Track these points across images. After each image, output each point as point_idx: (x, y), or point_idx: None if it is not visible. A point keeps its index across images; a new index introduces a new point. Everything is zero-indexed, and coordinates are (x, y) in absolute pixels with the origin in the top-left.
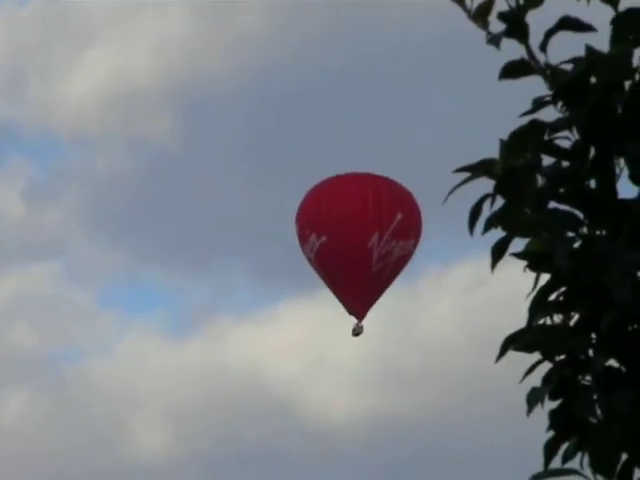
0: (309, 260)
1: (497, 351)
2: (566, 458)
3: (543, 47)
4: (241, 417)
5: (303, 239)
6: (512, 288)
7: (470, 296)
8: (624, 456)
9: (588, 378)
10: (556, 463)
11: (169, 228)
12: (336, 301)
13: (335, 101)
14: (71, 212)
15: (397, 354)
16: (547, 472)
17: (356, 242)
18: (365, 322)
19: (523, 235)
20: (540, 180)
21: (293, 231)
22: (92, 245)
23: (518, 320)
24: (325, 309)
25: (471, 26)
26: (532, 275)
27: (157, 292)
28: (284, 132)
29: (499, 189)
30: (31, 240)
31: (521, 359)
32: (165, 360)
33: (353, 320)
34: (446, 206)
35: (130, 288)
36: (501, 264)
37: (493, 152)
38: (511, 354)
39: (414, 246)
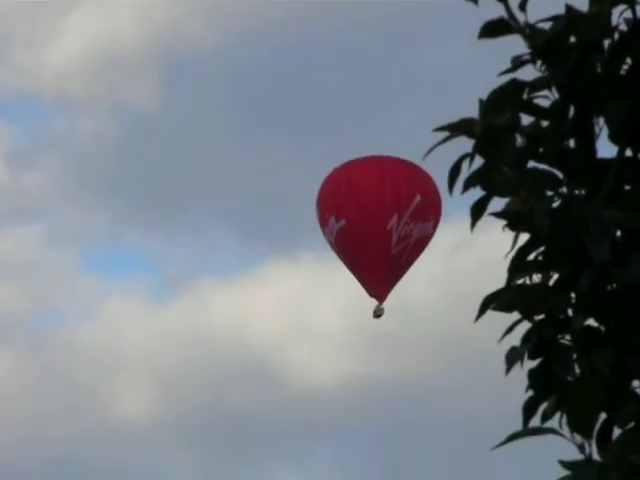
0: (329, 243)
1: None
2: (545, 417)
3: (522, 6)
4: (224, 381)
5: (323, 223)
6: (495, 249)
7: (452, 259)
8: (602, 416)
9: (567, 338)
10: (535, 423)
11: (152, 191)
12: (320, 265)
13: (317, 65)
14: (54, 175)
15: (383, 317)
16: (525, 431)
17: (375, 224)
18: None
19: (502, 194)
20: (519, 139)
21: (276, 194)
22: (75, 208)
23: (501, 282)
24: (308, 272)
25: None
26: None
27: (140, 255)
28: (266, 94)
29: (478, 148)
30: (14, 203)
31: (507, 322)
32: (148, 323)
33: (372, 301)
34: (425, 166)
35: (113, 251)
36: (484, 225)
37: (473, 112)
38: (496, 317)
39: (434, 227)
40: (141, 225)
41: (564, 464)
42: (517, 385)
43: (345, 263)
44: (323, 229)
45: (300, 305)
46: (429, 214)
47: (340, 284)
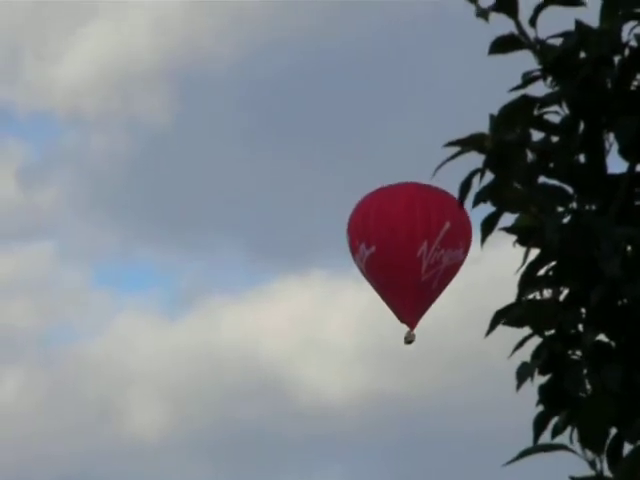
0: (360, 270)
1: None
2: (555, 433)
3: (533, 22)
4: (235, 397)
5: (354, 249)
6: (506, 265)
7: (463, 274)
8: (613, 431)
9: (578, 353)
10: (546, 438)
11: (163, 207)
12: (329, 280)
13: (331, 79)
14: (66, 192)
15: (392, 334)
16: (536, 447)
17: (405, 251)
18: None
19: (512, 210)
20: (530, 155)
21: (287, 211)
22: (87, 224)
23: (512, 298)
24: (317, 288)
25: (461, 1)
26: (523, 251)
27: (151, 271)
28: (279, 110)
29: (489, 164)
30: (26, 220)
31: (518, 337)
32: (159, 339)
33: (403, 327)
34: (436, 181)
35: (124, 267)
36: (495, 241)
37: (484, 127)
38: (508, 333)
39: (464, 254)
40: (153, 241)
41: None
42: (529, 400)
43: (376, 289)
44: (354, 256)
45: (310, 321)
46: (459, 241)
47: (350, 300)
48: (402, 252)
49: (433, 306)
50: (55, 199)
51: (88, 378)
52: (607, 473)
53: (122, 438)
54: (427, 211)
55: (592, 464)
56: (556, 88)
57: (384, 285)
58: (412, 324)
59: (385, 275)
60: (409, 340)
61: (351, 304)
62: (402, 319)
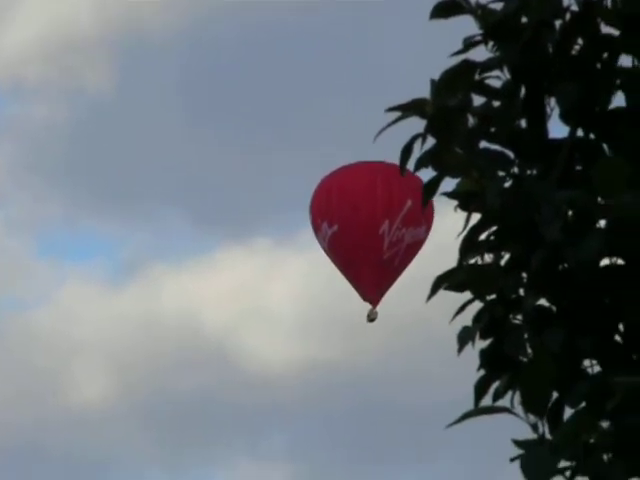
0: (323, 248)
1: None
2: (496, 397)
3: None
4: (179, 366)
5: (316, 228)
6: (448, 231)
7: None
8: (554, 394)
9: (519, 317)
10: (487, 402)
11: (105, 177)
12: (272, 249)
13: (267, 52)
14: (7, 162)
15: (335, 302)
16: (479, 410)
17: (367, 230)
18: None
19: (454, 175)
20: (471, 120)
21: (229, 179)
22: (29, 194)
23: (454, 263)
24: (261, 257)
25: None
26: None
27: (94, 241)
28: (222, 78)
29: (430, 129)
30: None
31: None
32: (103, 309)
33: (365, 305)
34: (377, 147)
35: (68, 236)
36: (437, 208)
37: (425, 92)
38: (450, 299)
39: (426, 232)
40: (95, 211)
41: (517, 443)
42: (471, 367)
43: (338, 267)
44: (316, 234)
45: (253, 290)
46: (421, 219)
47: (293, 269)
48: (364, 231)
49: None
50: None
51: (34, 347)
52: (549, 436)
53: (67, 408)
54: (389, 189)
55: (534, 427)
56: (497, 53)
57: (347, 263)
58: (375, 302)
59: (347, 254)
60: (372, 318)
61: (294, 273)
62: (365, 297)
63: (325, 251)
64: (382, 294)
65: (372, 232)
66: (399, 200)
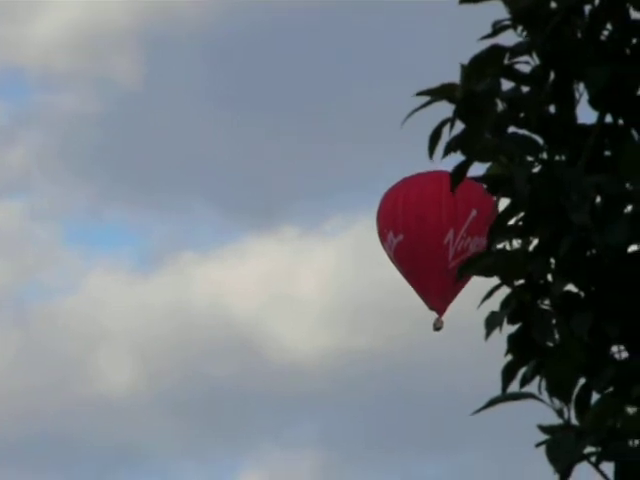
0: (389, 258)
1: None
2: (524, 382)
3: None
4: (206, 355)
5: (383, 237)
6: None
7: None
8: (581, 380)
9: (547, 302)
10: (514, 388)
11: (134, 166)
12: (300, 237)
13: (298, 40)
14: (36, 151)
15: (365, 290)
16: (505, 396)
17: (432, 239)
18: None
19: (483, 159)
20: (500, 105)
21: (258, 169)
22: (57, 183)
23: None
24: (289, 245)
25: None
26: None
27: (121, 230)
28: (249, 69)
29: (459, 113)
30: None
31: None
32: (130, 297)
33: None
34: (406, 132)
35: (95, 225)
36: None
37: (455, 77)
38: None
39: None
40: (123, 200)
41: (543, 429)
42: (498, 352)
43: (405, 277)
44: (382, 243)
45: (281, 278)
46: (485, 228)
47: (321, 257)
48: (429, 240)
49: None
50: (24, 158)
51: (62, 336)
52: (575, 422)
53: (94, 396)
54: (453, 199)
55: (560, 413)
56: (526, 38)
57: (412, 272)
58: (440, 311)
59: (413, 263)
60: (438, 327)
61: (322, 261)
62: (431, 306)
63: (391, 259)
64: (448, 303)
65: (437, 241)
66: (464, 210)
